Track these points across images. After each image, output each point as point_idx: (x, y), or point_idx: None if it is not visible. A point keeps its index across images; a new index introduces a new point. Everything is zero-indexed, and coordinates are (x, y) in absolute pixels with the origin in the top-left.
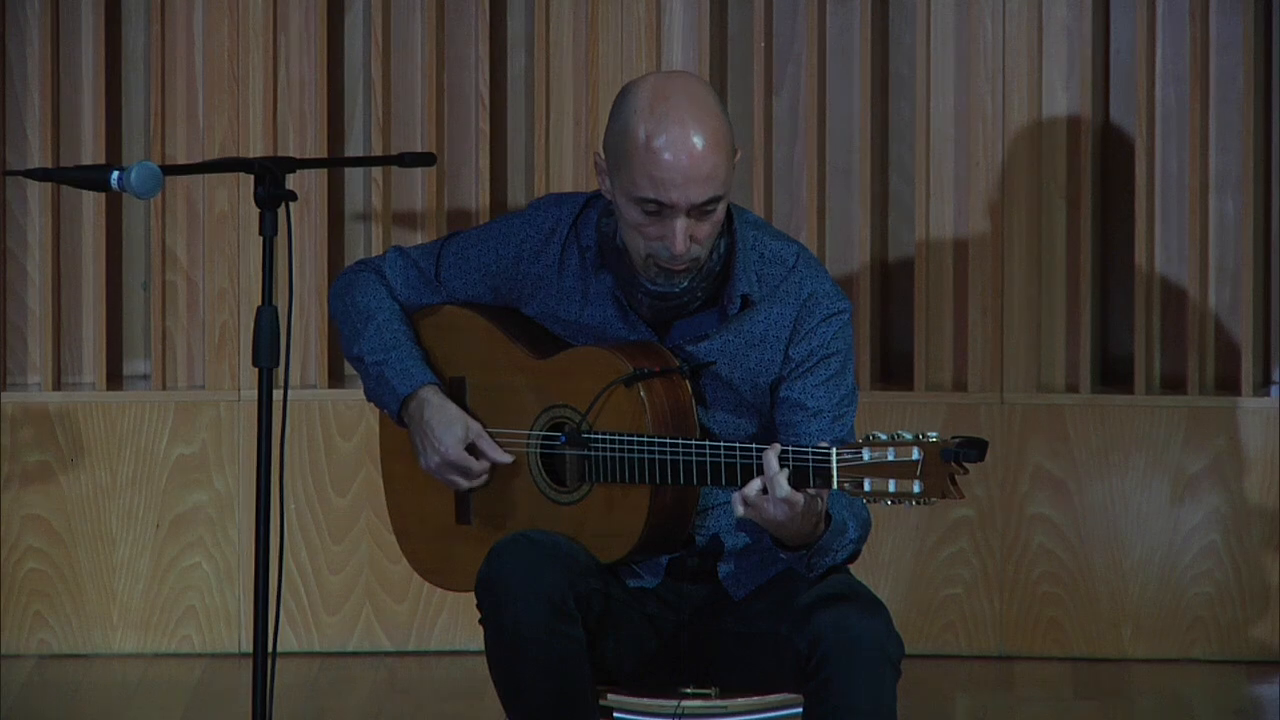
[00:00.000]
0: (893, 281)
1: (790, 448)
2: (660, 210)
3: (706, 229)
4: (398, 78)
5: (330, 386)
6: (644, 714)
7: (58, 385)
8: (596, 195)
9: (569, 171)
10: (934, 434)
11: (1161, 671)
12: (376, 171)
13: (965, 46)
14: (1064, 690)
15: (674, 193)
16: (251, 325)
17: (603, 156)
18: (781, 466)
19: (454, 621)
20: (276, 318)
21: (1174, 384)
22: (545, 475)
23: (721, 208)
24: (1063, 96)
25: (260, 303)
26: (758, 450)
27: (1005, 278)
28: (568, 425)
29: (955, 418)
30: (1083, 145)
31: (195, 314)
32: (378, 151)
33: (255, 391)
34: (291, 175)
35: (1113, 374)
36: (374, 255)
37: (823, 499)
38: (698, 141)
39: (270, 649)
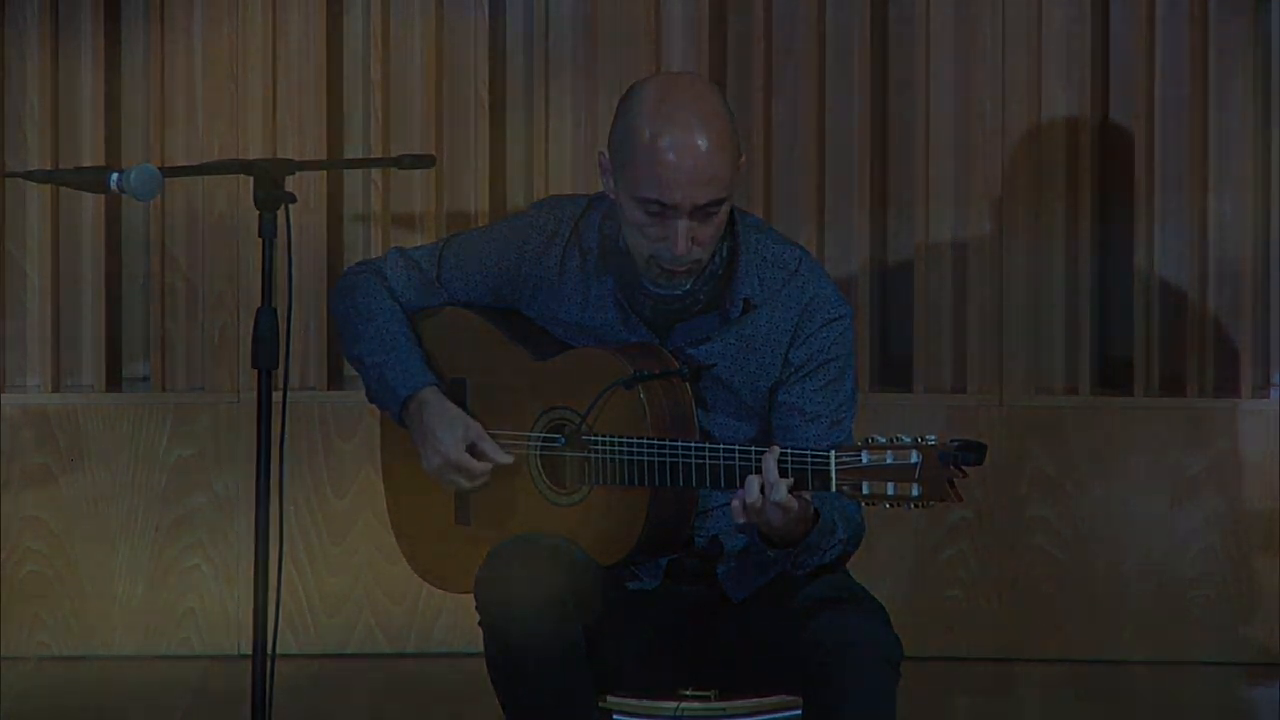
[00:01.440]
0: (892, 283)
1: (790, 450)
2: (663, 211)
3: (709, 231)
4: (397, 79)
5: (330, 388)
6: (643, 716)
7: (57, 387)
8: (598, 198)
9: (568, 174)
10: (932, 437)
11: (1161, 673)
12: (376, 173)
13: (965, 48)
14: (1063, 692)
15: (677, 193)
16: (251, 327)
17: (607, 155)
18: (781, 469)
19: (453, 623)
20: (276, 320)
21: (1173, 386)
22: (545, 477)
23: (724, 210)
24: (1062, 98)
25: (259, 305)
26: (757, 453)
27: (1004, 280)
28: (567, 427)
29: (954, 420)
30: (1082, 147)
31: (194, 316)
32: (377, 153)
33: (255, 393)
34: (291, 177)
35: (1112, 376)
36: (374, 257)
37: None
38: (702, 143)
39: (270, 651)
